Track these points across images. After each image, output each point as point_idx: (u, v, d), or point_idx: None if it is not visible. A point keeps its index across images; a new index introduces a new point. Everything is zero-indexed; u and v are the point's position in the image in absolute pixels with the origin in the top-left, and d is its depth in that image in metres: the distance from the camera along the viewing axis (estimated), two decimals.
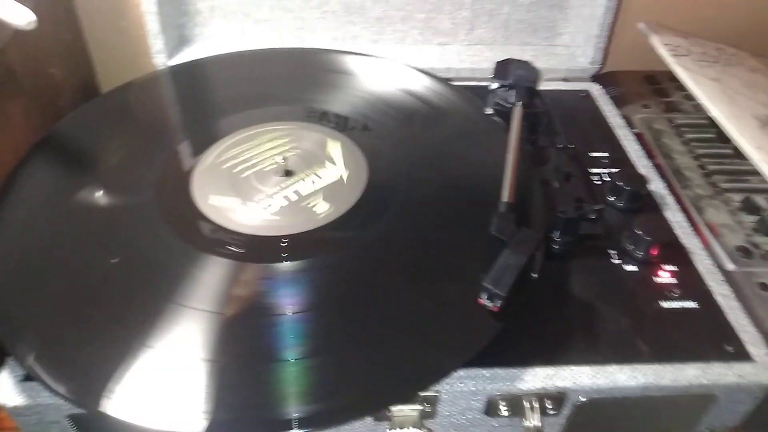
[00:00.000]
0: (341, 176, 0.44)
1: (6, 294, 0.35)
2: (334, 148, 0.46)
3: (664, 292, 0.38)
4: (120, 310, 0.34)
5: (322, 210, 0.41)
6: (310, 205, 0.41)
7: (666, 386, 0.33)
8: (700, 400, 0.34)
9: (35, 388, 0.33)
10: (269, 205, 0.41)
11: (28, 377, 0.33)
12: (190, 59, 0.57)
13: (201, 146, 0.46)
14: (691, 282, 0.39)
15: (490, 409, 0.34)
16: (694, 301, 0.38)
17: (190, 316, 0.34)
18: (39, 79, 0.54)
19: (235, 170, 0.44)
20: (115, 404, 0.30)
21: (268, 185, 0.43)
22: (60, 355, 0.32)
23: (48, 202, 0.41)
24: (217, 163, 0.45)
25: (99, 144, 0.46)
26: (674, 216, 0.44)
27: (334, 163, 0.45)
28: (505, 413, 0.34)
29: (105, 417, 0.30)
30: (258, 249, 0.38)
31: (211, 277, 0.36)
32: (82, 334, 0.33)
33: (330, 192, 0.42)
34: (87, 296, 0.35)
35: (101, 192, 0.42)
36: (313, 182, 0.43)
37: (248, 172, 0.44)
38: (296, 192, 0.42)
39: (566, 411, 0.35)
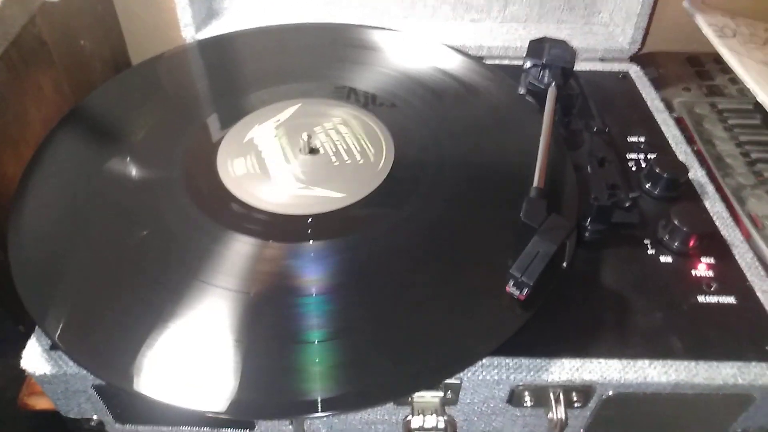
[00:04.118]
0: (368, 155, 0.43)
1: (35, 265, 0.36)
2: (361, 126, 0.46)
3: (701, 285, 0.37)
4: (145, 284, 0.34)
5: (348, 189, 0.40)
6: (335, 184, 0.41)
7: (699, 384, 0.32)
8: (735, 400, 0.33)
9: (62, 357, 0.33)
10: (295, 183, 0.41)
11: (54, 346, 0.33)
12: (218, 32, 0.56)
13: (227, 121, 0.46)
14: (730, 276, 0.37)
15: (514, 399, 0.33)
16: (732, 296, 0.36)
17: (213, 294, 0.34)
18: (69, 51, 0.54)
19: (261, 146, 0.44)
20: (137, 379, 0.30)
21: (294, 162, 0.42)
22: (86, 327, 0.33)
23: (77, 174, 0.41)
24: (244, 138, 0.44)
25: (127, 117, 0.46)
26: (714, 206, 0.42)
27: (360, 141, 0.44)
28: (529, 404, 0.33)
29: (126, 389, 0.30)
30: (283, 228, 0.38)
31: (235, 255, 0.36)
32: (108, 307, 0.33)
33: (356, 171, 0.42)
34: (113, 269, 0.35)
35: (129, 165, 0.42)
36: (340, 160, 0.43)
37: (274, 149, 0.44)
38: (322, 170, 0.42)
39: (593, 404, 0.34)
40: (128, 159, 0.42)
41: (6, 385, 0.42)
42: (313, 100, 0.48)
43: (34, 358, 0.33)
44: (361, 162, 0.42)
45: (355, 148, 0.44)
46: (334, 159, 0.43)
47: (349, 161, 0.43)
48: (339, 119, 0.46)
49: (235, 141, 0.44)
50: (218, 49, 0.54)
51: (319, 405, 0.29)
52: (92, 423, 0.37)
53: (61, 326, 0.32)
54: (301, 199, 0.40)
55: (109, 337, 0.32)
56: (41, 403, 0.37)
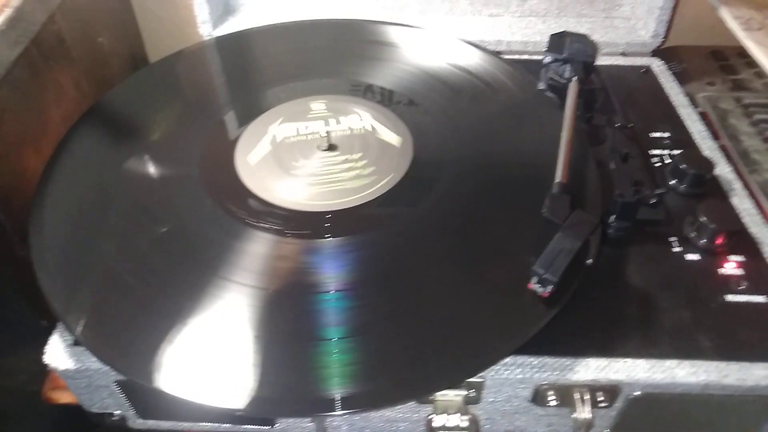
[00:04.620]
0: (386, 152, 0.43)
1: (56, 260, 0.36)
2: (378, 122, 0.45)
3: (730, 284, 0.36)
4: (165, 281, 0.34)
5: (366, 186, 0.40)
6: (354, 181, 0.40)
7: (730, 385, 0.31)
8: (766, 401, 0.32)
9: (85, 353, 0.33)
10: (313, 180, 0.41)
11: (77, 342, 0.34)
12: (235, 29, 0.56)
13: (245, 118, 0.46)
14: (759, 274, 0.36)
15: (538, 398, 0.33)
16: (763, 295, 0.35)
17: (233, 290, 0.34)
18: (88, 48, 0.55)
19: (279, 143, 0.44)
20: (159, 375, 0.30)
21: (312, 159, 0.42)
22: (107, 323, 0.33)
23: (97, 171, 0.42)
24: (262, 135, 0.44)
25: (146, 114, 0.46)
26: (742, 203, 0.41)
27: (378, 138, 0.44)
28: (554, 403, 0.33)
29: (147, 386, 0.30)
30: (301, 224, 0.37)
31: (253, 252, 0.36)
32: (129, 303, 0.33)
33: (374, 168, 0.41)
34: (134, 265, 0.35)
35: (148, 161, 0.42)
36: (357, 157, 0.42)
37: (292, 146, 0.43)
38: (340, 167, 0.42)
39: (619, 404, 0.33)
40: (147, 156, 0.42)
41: (29, 379, 0.42)
42: (331, 96, 0.48)
43: (57, 353, 0.33)
44: (380, 158, 0.42)
45: (374, 144, 0.43)
46: (352, 155, 0.42)
47: (367, 157, 0.42)
48: (357, 115, 0.46)
49: (253, 138, 0.44)
50: (235, 46, 0.54)
51: (339, 403, 0.29)
52: (114, 418, 0.37)
53: (83, 322, 0.32)
54: (321, 196, 0.39)
55: (131, 333, 0.32)
56: (64, 397, 0.37)
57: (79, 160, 0.42)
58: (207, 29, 0.57)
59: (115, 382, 0.34)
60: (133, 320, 0.33)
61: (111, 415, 0.37)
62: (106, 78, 0.57)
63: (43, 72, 0.48)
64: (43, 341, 0.34)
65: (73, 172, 0.42)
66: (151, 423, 0.37)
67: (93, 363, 0.33)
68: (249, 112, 0.46)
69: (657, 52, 0.57)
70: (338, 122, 0.45)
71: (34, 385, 0.40)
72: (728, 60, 0.59)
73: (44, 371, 0.40)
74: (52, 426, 0.48)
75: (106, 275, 0.35)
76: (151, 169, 0.42)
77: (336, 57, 0.52)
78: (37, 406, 0.41)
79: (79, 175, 0.41)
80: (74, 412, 0.38)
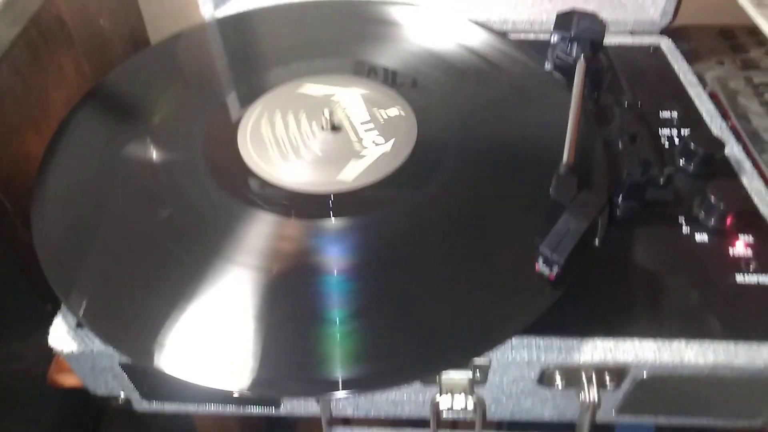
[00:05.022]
0: (390, 133, 0.42)
1: (58, 244, 0.36)
2: (382, 103, 0.45)
3: (739, 264, 0.35)
4: (168, 263, 0.34)
5: (370, 167, 0.39)
6: (357, 162, 0.40)
7: (739, 366, 0.31)
8: None
9: (88, 335, 0.33)
10: (316, 161, 0.40)
11: (80, 324, 0.33)
12: (236, 10, 0.55)
13: (248, 99, 0.45)
14: None
15: (545, 380, 0.33)
16: None
17: (237, 272, 0.33)
18: (89, 30, 0.54)
19: (282, 124, 0.43)
20: (163, 357, 0.30)
21: (315, 140, 0.42)
22: (110, 305, 0.33)
23: (99, 153, 0.41)
24: (264, 116, 0.44)
25: (148, 95, 0.46)
26: (752, 182, 0.40)
27: (382, 119, 0.43)
28: (560, 385, 0.32)
29: (152, 368, 0.30)
30: (305, 206, 0.37)
31: (257, 233, 0.35)
32: (132, 286, 0.33)
33: (378, 149, 0.41)
34: (136, 247, 0.35)
35: (150, 143, 0.42)
36: (361, 138, 0.42)
37: (295, 127, 0.43)
38: (343, 148, 0.41)
39: (626, 385, 0.33)
40: (149, 138, 0.42)
41: (36, 362, 0.42)
42: (334, 77, 0.47)
43: (61, 335, 0.33)
44: (384, 139, 0.42)
45: (377, 124, 0.43)
46: (355, 136, 0.42)
47: (371, 138, 0.42)
48: (361, 96, 0.45)
49: (255, 119, 0.43)
50: (237, 27, 0.53)
51: (346, 384, 0.29)
52: (120, 400, 0.37)
53: (85, 304, 0.32)
54: (324, 177, 0.39)
55: (134, 315, 0.32)
56: (70, 380, 0.37)
57: (80, 143, 0.42)
58: (209, 10, 0.56)
59: (119, 364, 0.34)
60: (136, 302, 0.32)
61: (116, 397, 0.37)
62: (107, 60, 0.57)
63: (44, 54, 0.47)
64: (48, 325, 0.34)
65: (75, 154, 0.41)
66: (156, 405, 0.37)
67: (96, 345, 0.33)
68: (251, 93, 0.46)
69: (666, 31, 0.56)
70: (341, 103, 0.45)
71: (40, 368, 0.41)
72: (738, 39, 0.58)
73: (50, 355, 0.40)
74: (59, 409, 0.48)
75: (108, 258, 0.35)
76: (153, 150, 0.41)
77: (339, 37, 0.52)
78: (43, 390, 0.41)
79: (81, 157, 0.41)
80: (80, 395, 0.38)
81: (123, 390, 0.36)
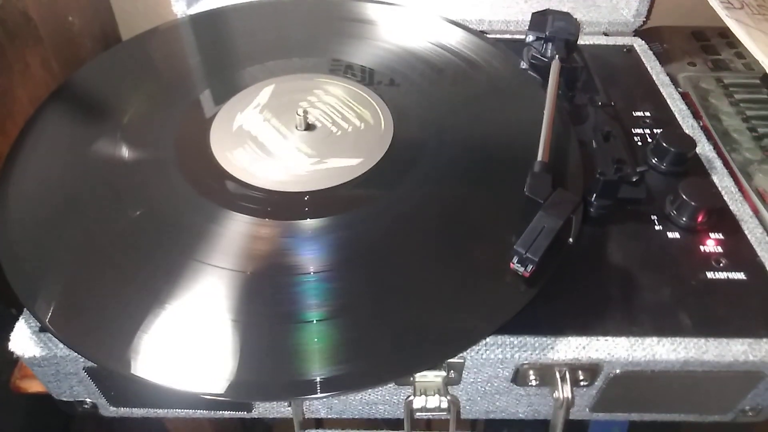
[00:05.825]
0: (366, 132, 0.42)
1: (22, 245, 0.34)
2: (358, 102, 0.44)
3: (710, 261, 0.36)
4: (138, 265, 0.33)
5: (345, 166, 0.39)
6: (332, 161, 0.39)
7: (709, 362, 0.31)
8: (745, 377, 0.32)
9: (52, 339, 0.32)
10: (291, 160, 0.40)
11: (43, 328, 0.32)
12: (209, 7, 0.54)
13: (221, 98, 0.44)
14: (739, 252, 0.36)
15: (518, 378, 0.33)
16: (742, 272, 0.35)
17: (209, 274, 0.33)
18: (57, 27, 0.53)
19: (256, 123, 0.42)
20: (130, 361, 0.29)
21: (290, 139, 0.41)
22: (75, 309, 0.32)
23: (65, 153, 0.40)
24: (238, 115, 0.43)
25: (117, 93, 0.45)
26: (722, 180, 0.41)
27: (358, 118, 0.43)
28: (534, 383, 0.32)
29: (116, 372, 0.29)
30: (280, 205, 0.36)
31: (231, 234, 0.35)
32: (99, 288, 0.32)
33: (354, 148, 0.40)
34: (105, 249, 0.34)
35: (119, 143, 0.41)
36: (336, 137, 0.41)
37: (269, 125, 0.42)
38: (318, 147, 0.41)
39: (599, 383, 0.33)
40: (118, 137, 0.41)
41: (0, 369, 0.41)
42: (310, 75, 0.47)
43: (23, 340, 0.32)
44: (360, 138, 0.41)
45: (353, 123, 0.42)
46: (330, 134, 0.41)
47: (346, 137, 0.41)
48: (336, 95, 0.45)
49: (229, 118, 0.43)
50: (210, 24, 0.52)
51: (318, 386, 0.29)
52: (85, 406, 0.36)
53: (50, 308, 0.31)
54: (299, 176, 0.38)
55: (101, 318, 0.31)
56: (34, 386, 0.36)
57: (46, 142, 0.41)
58: (181, 7, 0.55)
59: (84, 368, 0.33)
60: (103, 305, 0.32)
61: (82, 403, 0.36)
62: (76, 58, 0.55)
63: (8, 51, 0.46)
64: (12, 329, 0.33)
65: (41, 154, 0.40)
66: (123, 411, 0.36)
67: (60, 350, 0.32)
68: (225, 92, 0.45)
69: (639, 32, 0.57)
70: (316, 102, 0.44)
71: (4, 375, 0.39)
72: (709, 40, 0.59)
73: (15, 360, 0.38)
74: (24, 416, 0.47)
75: (75, 260, 0.34)
76: (123, 149, 0.40)
77: (315, 35, 0.51)
78: (7, 397, 0.39)
79: (47, 157, 0.40)
80: (46, 401, 0.37)
81: (89, 396, 0.35)
